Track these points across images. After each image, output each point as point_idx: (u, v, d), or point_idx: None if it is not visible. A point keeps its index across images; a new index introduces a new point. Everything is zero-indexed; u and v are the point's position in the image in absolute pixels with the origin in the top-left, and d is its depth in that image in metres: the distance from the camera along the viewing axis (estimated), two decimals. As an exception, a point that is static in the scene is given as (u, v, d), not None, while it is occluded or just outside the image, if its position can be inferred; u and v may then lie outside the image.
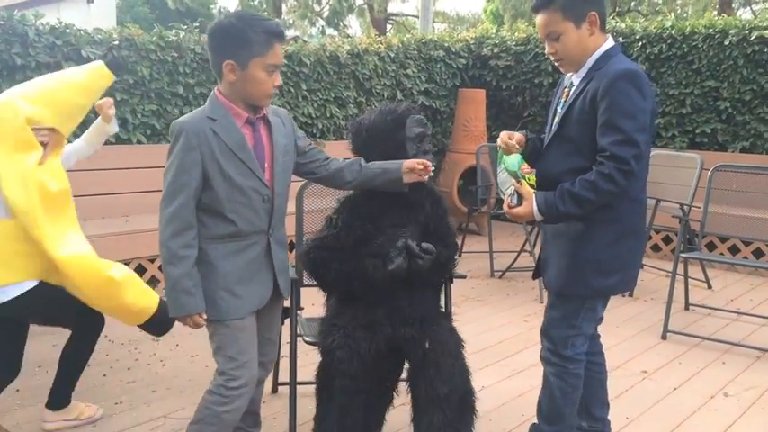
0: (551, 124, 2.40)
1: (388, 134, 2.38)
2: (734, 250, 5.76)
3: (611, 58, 2.24)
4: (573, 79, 2.34)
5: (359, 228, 2.37)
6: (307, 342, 2.58)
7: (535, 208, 2.23)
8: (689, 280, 4.70)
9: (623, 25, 6.75)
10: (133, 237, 4.42)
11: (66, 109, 2.65)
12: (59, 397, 2.82)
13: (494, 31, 7.82)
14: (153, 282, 4.61)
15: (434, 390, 2.23)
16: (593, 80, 2.21)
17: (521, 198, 2.28)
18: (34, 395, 3.08)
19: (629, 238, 2.33)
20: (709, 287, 5.20)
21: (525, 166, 2.34)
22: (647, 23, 6.67)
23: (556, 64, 2.35)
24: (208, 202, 2.08)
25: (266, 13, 22.28)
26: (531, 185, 2.30)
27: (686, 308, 4.64)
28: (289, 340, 2.72)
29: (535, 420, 2.59)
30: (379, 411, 2.52)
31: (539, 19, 2.28)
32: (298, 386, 2.72)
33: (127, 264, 4.44)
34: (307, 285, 2.88)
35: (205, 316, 2.11)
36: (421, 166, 2.30)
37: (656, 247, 6.20)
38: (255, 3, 24.21)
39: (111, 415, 2.93)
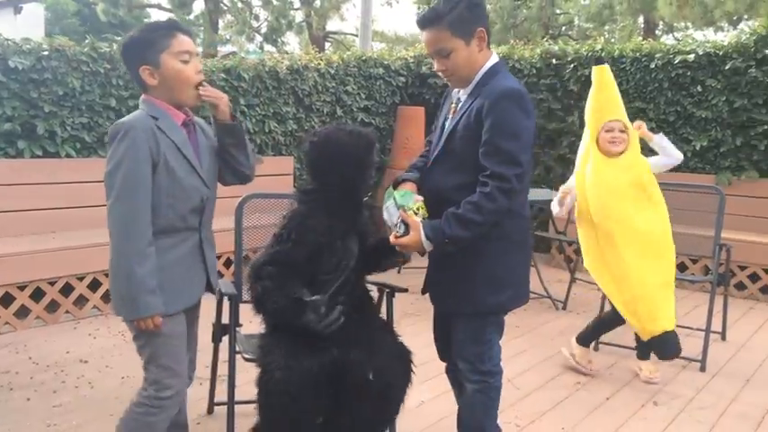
0: (438, 139, 2.39)
1: (358, 156, 2.33)
2: (661, 264, 5.97)
3: (496, 74, 2.25)
4: (460, 95, 2.34)
5: (312, 241, 2.32)
6: (246, 359, 2.52)
7: (423, 235, 2.19)
8: (619, 293, 4.85)
9: (556, 48, 6.97)
10: (60, 254, 4.25)
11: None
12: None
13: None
14: (81, 301, 4.44)
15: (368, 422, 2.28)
16: (479, 96, 2.22)
17: (407, 227, 2.22)
18: None
19: (516, 253, 2.32)
20: (639, 300, 5.37)
21: (418, 196, 2.30)
22: (578, 46, 6.90)
23: (445, 80, 2.34)
24: None
25: (202, 29, 21.99)
26: (420, 215, 2.25)
27: (617, 320, 4.78)
28: (227, 358, 2.65)
29: None
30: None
31: (426, 35, 2.24)
32: (236, 405, 2.66)
33: (53, 283, 4.28)
34: (245, 301, 2.84)
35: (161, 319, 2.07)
36: None
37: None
38: (191, 17, 23.85)
39: (36, 440, 2.79)
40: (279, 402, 2.16)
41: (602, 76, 3.46)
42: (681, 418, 3.24)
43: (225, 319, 2.76)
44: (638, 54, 6.38)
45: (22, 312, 4.18)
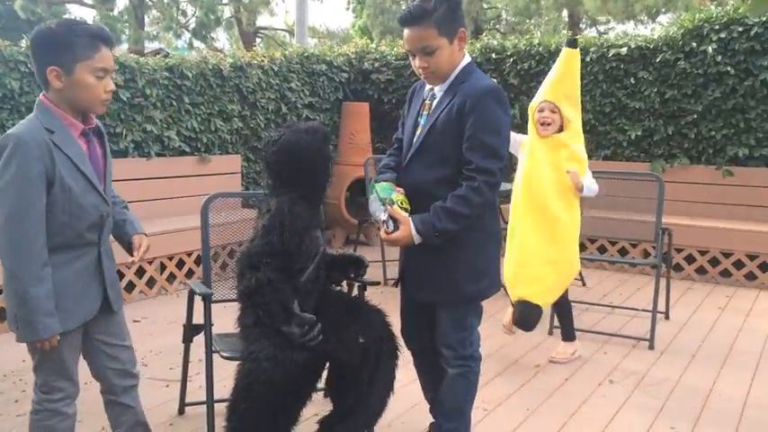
0: (414, 135, 2.44)
1: (320, 151, 2.38)
2: (601, 250, 6.24)
3: (471, 72, 2.36)
4: (435, 91, 2.41)
5: (301, 228, 2.35)
6: (224, 357, 2.53)
7: (413, 229, 2.26)
8: (568, 279, 5.05)
9: (495, 42, 7.14)
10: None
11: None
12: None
13: (374, 46, 8.00)
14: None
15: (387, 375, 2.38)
16: (457, 94, 2.31)
17: (396, 222, 2.29)
18: None
19: (491, 242, 2.47)
20: (584, 284, 5.60)
21: (399, 188, 2.38)
22: (516, 41, 7.10)
23: (423, 77, 2.39)
24: None
25: (128, 25, 21.34)
26: (404, 208, 2.32)
27: (566, 305, 4.98)
28: (202, 358, 2.65)
29: None
30: (297, 412, 2.54)
31: (411, 33, 2.28)
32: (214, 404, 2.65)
33: None
34: (216, 301, 2.84)
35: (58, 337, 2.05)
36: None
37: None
38: (115, 14, 23.09)
39: (4, 452, 2.71)
40: (262, 392, 2.18)
41: (563, 58, 3.57)
42: (636, 394, 3.43)
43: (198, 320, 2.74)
44: (573, 48, 6.60)
45: (-31, 323, 4.03)
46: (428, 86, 2.45)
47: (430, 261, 2.39)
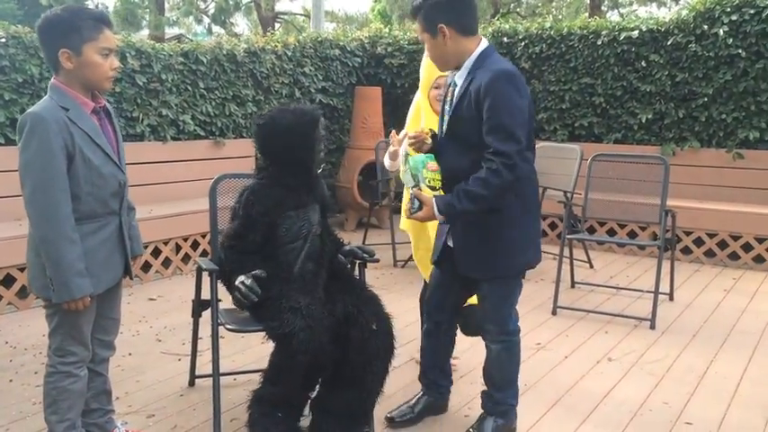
0: (442, 123, 2.56)
1: (305, 134, 2.51)
2: (610, 233, 6.28)
3: (487, 57, 2.45)
4: (455, 79, 2.50)
5: (257, 213, 2.50)
6: (228, 329, 2.64)
7: (435, 210, 2.39)
8: (573, 261, 5.12)
9: (507, 26, 7.16)
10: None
11: None
12: None
13: (387, 30, 8.06)
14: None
15: (375, 366, 2.50)
16: (474, 79, 2.41)
17: (420, 203, 2.44)
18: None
19: (529, 213, 2.57)
20: (591, 267, 5.66)
21: (432, 164, 2.49)
22: (528, 25, 7.11)
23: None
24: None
25: (148, 11, 21.52)
26: (431, 187, 2.45)
27: (572, 286, 5.05)
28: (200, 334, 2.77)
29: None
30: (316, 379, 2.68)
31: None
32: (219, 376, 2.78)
33: (23, 269, 4.29)
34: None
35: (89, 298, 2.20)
36: None
37: (542, 233, 6.65)
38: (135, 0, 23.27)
39: (25, 417, 2.87)
40: (301, 361, 2.33)
41: None
42: (633, 371, 3.50)
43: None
44: (585, 31, 6.62)
45: (-7, 299, 4.21)
46: (451, 74, 2.56)
47: (480, 240, 2.50)
